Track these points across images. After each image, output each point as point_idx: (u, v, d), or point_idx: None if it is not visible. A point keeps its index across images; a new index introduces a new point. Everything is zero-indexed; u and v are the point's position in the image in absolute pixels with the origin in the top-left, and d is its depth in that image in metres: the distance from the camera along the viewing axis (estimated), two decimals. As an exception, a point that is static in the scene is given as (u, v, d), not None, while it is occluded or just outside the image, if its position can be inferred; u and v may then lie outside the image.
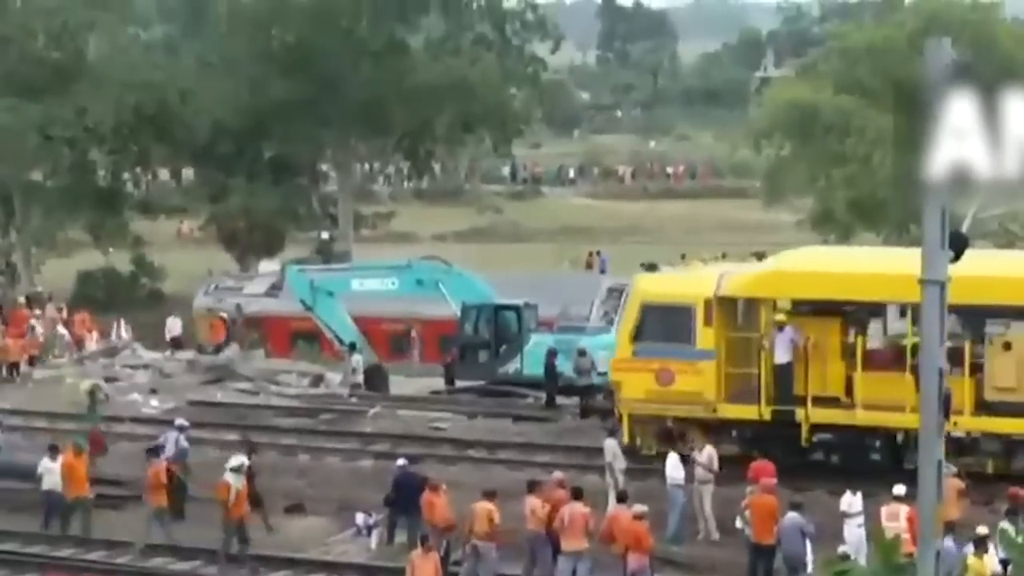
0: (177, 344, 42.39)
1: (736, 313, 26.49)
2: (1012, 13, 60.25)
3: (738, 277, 26.46)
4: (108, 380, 36.15)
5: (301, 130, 57.91)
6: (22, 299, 45.73)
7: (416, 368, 40.45)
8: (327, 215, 62.36)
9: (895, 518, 20.21)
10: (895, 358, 25.21)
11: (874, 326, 27.10)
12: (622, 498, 22.19)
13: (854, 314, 26.19)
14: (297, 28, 57.61)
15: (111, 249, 58.12)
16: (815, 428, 25.38)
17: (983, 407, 24.01)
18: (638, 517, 20.88)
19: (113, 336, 42.40)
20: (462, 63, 58.33)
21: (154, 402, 33.53)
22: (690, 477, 23.85)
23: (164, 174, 62.72)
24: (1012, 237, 48.46)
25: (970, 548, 18.86)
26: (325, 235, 59.18)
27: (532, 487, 22.31)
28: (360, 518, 24.42)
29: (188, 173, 64.24)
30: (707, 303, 25.89)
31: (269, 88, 56.80)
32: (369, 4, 57.90)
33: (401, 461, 24.37)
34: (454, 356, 36.34)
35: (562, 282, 47.39)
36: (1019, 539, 12.40)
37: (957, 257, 11.54)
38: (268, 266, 50.74)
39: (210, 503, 25.35)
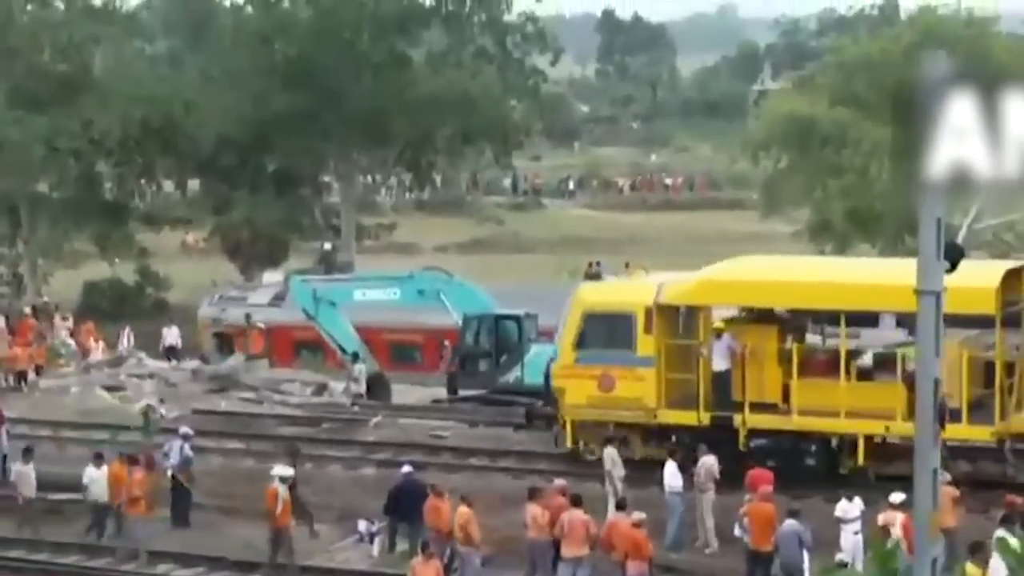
0: (172, 353, 42.66)
1: (676, 321, 26.98)
2: (1008, 27, 60.44)
3: (677, 286, 26.94)
4: (113, 389, 36.52)
5: (303, 142, 58.13)
6: (28, 309, 46.05)
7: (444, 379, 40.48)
8: (329, 226, 62.53)
9: (891, 526, 20.45)
10: (831, 365, 25.65)
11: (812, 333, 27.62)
12: (621, 505, 22.49)
13: (791, 322, 26.67)
14: (299, 41, 57.84)
15: (117, 260, 58.30)
16: (752, 433, 25.88)
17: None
18: (637, 524, 21.13)
19: (119, 346, 42.71)
20: (463, 76, 58.56)
21: (160, 411, 33.81)
22: (689, 485, 24.19)
23: (169, 186, 62.88)
24: (1006, 248, 48.56)
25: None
26: (328, 246, 59.30)
27: (533, 494, 22.62)
28: (362, 525, 24.67)
29: (192, 185, 64.40)
30: (647, 311, 26.47)
31: (272, 101, 57.04)
32: (371, 18, 58.16)
33: (406, 468, 24.68)
34: (456, 365, 36.69)
35: (562, 292, 47.37)
36: (1018, 547, 12.54)
37: (953, 267, 11.73)
38: (272, 276, 50.86)
39: (213, 511, 25.73)
